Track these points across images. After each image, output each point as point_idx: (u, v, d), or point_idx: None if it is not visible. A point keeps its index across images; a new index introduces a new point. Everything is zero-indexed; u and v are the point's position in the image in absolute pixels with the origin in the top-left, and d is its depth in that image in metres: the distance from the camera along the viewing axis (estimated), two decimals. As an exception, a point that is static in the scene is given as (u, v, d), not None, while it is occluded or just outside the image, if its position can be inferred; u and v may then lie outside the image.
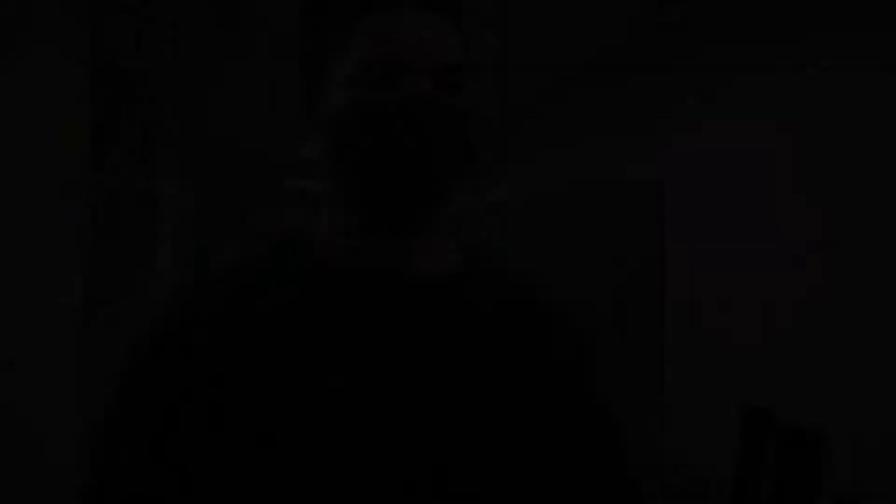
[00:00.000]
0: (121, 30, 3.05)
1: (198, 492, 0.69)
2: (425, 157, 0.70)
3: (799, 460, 1.93)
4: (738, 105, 3.20)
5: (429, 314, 0.75)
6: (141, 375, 0.71)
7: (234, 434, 0.68)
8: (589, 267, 3.62)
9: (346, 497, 0.66)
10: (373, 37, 0.71)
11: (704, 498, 3.04)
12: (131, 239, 2.98)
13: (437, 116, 0.70)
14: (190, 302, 0.73)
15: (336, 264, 0.76)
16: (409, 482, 0.68)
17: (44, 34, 2.61)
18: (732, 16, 3.26)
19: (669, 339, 3.58)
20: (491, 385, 0.74)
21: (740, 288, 3.14)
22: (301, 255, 0.77)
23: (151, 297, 2.65)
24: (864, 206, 2.55)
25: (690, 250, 3.48)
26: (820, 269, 2.72)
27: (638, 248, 3.61)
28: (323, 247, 0.77)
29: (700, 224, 3.43)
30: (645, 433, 3.48)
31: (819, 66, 2.74)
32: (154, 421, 0.69)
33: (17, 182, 2.55)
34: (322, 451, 0.67)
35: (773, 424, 2.22)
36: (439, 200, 0.73)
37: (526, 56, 3.70)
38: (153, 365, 0.71)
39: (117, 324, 2.84)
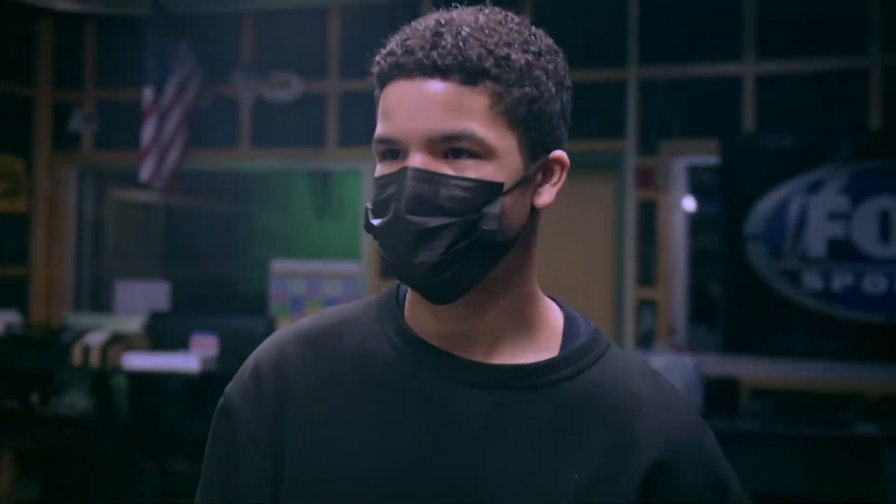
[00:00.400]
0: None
1: None
2: (407, 227, 0.72)
3: None
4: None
5: (482, 406, 0.76)
6: (241, 402, 0.80)
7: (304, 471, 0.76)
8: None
9: None
10: (381, 114, 0.76)
11: None
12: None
13: (421, 193, 0.72)
14: (288, 343, 0.82)
15: (414, 333, 0.79)
16: None
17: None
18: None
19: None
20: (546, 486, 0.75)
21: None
22: (391, 316, 0.82)
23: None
24: None
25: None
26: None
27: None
28: (405, 310, 0.82)
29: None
30: None
31: None
32: (249, 445, 0.78)
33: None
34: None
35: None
36: (443, 269, 0.73)
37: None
38: (251, 395, 0.80)
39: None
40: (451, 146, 0.73)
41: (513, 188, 0.74)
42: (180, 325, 3.93)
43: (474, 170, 0.73)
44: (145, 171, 4.23)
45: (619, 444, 0.75)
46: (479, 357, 0.78)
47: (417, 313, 0.80)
